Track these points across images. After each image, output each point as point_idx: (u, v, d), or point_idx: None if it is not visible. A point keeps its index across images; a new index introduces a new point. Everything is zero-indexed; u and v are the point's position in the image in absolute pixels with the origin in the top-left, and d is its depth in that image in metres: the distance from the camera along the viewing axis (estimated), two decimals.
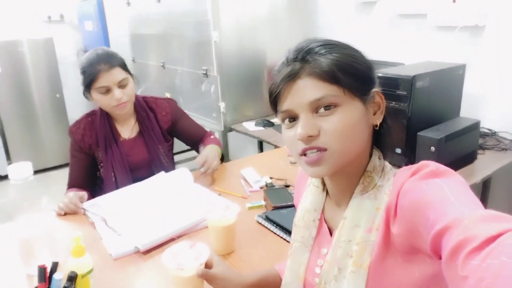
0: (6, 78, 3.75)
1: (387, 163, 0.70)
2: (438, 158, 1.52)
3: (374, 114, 0.68)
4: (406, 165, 0.64)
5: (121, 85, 1.48)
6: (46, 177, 3.81)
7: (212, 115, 2.56)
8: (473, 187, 1.57)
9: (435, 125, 1.65)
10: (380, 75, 1.61)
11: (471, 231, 0.44)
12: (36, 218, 1.03)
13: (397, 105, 1.61)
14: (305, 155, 0.64)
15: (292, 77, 0.64)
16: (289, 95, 0.65)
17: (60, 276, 0.79)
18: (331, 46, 0.65)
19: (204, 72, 2.48)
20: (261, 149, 2.75)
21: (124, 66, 1.52)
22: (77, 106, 4.02)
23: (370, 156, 0.70)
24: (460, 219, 0.47)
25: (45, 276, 0.79)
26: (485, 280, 0.39)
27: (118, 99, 1.47)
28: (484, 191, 1.96)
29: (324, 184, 0.75)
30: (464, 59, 1.96)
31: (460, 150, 1.64)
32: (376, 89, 0.68)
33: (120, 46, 3.84)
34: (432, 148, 1.53)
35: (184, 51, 2.77)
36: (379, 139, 0.72)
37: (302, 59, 0.64)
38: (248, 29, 2.48)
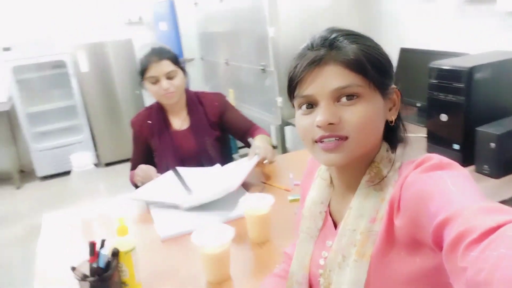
0: (93, 77, 4.20)
1: (394, 156, 0.71)
2: (499, 155, 1.41)
3: (390, 110, 0.70)
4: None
5: (169, 76, 1.63)
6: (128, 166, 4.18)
7: (271, 110, 2.61)
8: None
9: (498, 119, 1.53)
10: (434, 67, 1.57)
11: (471, 223, 0.44)
12: (96, 203, 1.18)
13: (454, 99, 1.52)
14: (321, 141, 0.65)
15: (318, 62, 0.63)
16: (312, 80, 0.64)
17: (105, 252, 0.92)
18: (356, 36, 0.66)
19: (262, 67, 2.54)
20: None
21: (174, 60, 1.66)
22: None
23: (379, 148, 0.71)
24: (460, 210, 0.47)
25: (94, 251, 0.92)
26: (483, 271, 0.39)
27: (165, 89, 1.62)
28: None
29: (331, 178, 0.77)
30: None
31: None
32: (394, 86, 0.69)
33: (191, 45, 4.05)
34: (492, 145, 1.43)
35: (244, 47, 2.86)
36: (390, 133, 0.72)
37: (330, 45, 0.64)
38: (308, 23, 2.46)
